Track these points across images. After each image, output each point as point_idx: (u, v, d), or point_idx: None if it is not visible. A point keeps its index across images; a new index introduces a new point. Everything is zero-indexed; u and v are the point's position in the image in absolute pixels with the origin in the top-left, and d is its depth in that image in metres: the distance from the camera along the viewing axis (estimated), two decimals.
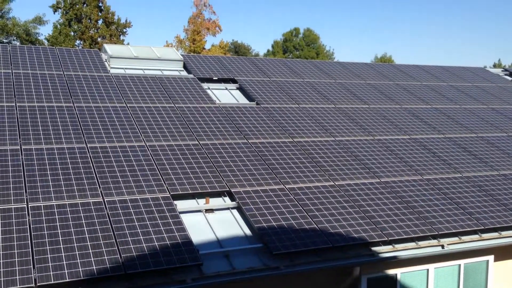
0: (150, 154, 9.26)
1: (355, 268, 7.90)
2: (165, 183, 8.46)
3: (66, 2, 34.22)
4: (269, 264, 7.32)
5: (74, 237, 6.86)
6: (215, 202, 8.58)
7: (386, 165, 10.42)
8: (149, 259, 6.71)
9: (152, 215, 7.62)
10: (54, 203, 7.47)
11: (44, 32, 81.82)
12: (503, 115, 14.41)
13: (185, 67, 13.88)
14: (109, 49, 13.54)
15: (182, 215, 7.95)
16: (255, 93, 12.80)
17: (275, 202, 8.53)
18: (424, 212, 8.93)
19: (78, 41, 34.75)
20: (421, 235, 8.33)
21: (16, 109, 9.86)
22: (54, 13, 35.41)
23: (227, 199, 8.70)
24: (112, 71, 12.70)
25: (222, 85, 13.30)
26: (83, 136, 9.39)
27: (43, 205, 7.38)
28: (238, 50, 49.36)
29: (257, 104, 12.28)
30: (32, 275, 6.10)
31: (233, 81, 13.56)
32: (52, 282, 6.09)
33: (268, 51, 49.91)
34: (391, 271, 8.33)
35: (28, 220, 7.03)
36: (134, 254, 6.76)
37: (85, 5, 34.35)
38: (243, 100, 12.68)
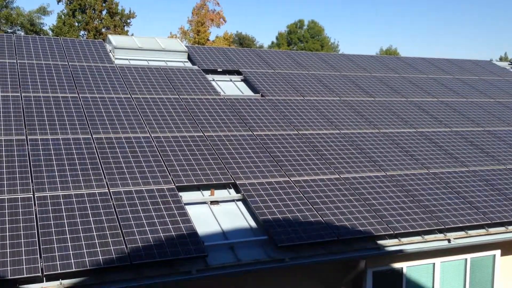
0: (155, 145, 9.23)
1: (360, 261, 7.88)
2: (170, 175, 8.45)
3: None
4: (274, 256, 7.31)
5: (80, 227, 6.86)
6: (220, 194, 8.56)
7: (392, 158, 10.37)
8: (154, 250, 6.71)
9: (157, 206, 7.61)
10: (60, 194, 7.46)
11: (48, 22, 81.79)
12: (510, 108, 14.32)
13: (189, 58, 13.82)
14: (114, 40, 13.49)
15: (187, 207, 7.94)
16: (260, 85, 12.74)
17: (280, 194, 8.51)
18: (431, 206, 8.89)
19: (82, 32, 34.72)
20: (428, 229, 8.30)
21: (22, 99, 9.84)
22: (58, 3, 35.40)
23: (232, 191, 8.68)
24: (117, 62, 12.66)
25: (227, 77, 13.24)
26: (88, 127, 9.37)
27: (49, 195, 7.37)
28: (243, 41, 49.18)
29: (262, 96, 12.23)
30: (39, 265, 6.11)
31: (238, 72, 13.51)
32: (59, 271, 6.09)
33: (272, 43, 49.76)
34: (397, 265, 8.32)
35: (35, 210, 7.03)
36: (140, 245, 6.76)
37: None
38: (248, 92, 12.63)
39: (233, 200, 8.50)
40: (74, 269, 6.15)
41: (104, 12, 34.89)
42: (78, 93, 10.53)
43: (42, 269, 6.07)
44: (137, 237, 6.90)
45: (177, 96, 11.30)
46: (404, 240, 8.10)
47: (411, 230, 8.16)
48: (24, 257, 6.16)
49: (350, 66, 15.39)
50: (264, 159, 9.50)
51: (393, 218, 8.38)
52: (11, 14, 33.88)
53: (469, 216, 8.80)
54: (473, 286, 8.99)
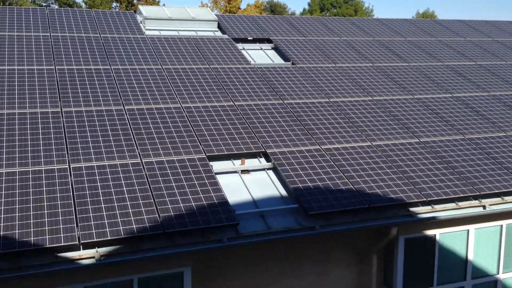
0: (186, 115, 9.31)
1: (392, 229, 7.83)
2: (201, 144, 8.53)
3: None
4: (304, 224, 7.34)
5: (114, 197, 7.05)
6: (250, 163, 8.60)
7: (426, 125, 10.13)
8: (186, 219, 6.85)
9: (188, 176, 7.72)
10: (95, 164, 7.66)
11: None
12: None
13: (219, 27, 13.72)
14: (144, 11, 13.51)
15: (218, 176, 8.03)
16: (290, 53, 12.57)
17: (310, 162, 8.48)
18: (466, 172, 8.69)
19: (114, 4, 34.93)
20: (462, 195, 8.13)
21: (56, 72, 10.04)
22: None
23: (262, 160, 8.71)
24: (147, 32, 12.70)
25: (257, 45, 13.11)
26: (121, 98, 9.51)
27: (84, 166, 7.59)
28: (274, 9, 48.42)
29: (293, 64, 12.07)
30: (76, 233, 6.34)
31: (268, 41, 13.34)
32: (95, 239, 6.31)
33: (304, 9, 48.78)
34: (429, 232, 8.23)
35: (71, 180, 7.25)
36: (172, 214, 6.90)
37: None
38: (278, 60, 12.48)
39: (263, 169, 8.54)
40: (109, 238, 6.36)
41: None
42: (110, 65, 10.66)
43: (78, 237, 6.30)
44: (169, 206, 7.04)
45: (207, 66, 11.29)
46: (437, 207, 7.98)
47: (444, 197, 8.02)
48: (61, 226, 6.39)
49: (384, 31, 14.95)
50: (295, 127, 9.45)
51: (426, 185, 8.24)
52: None
53: (505, 182, 8.55)
54: (508, 252, 8.82)
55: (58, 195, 6.92)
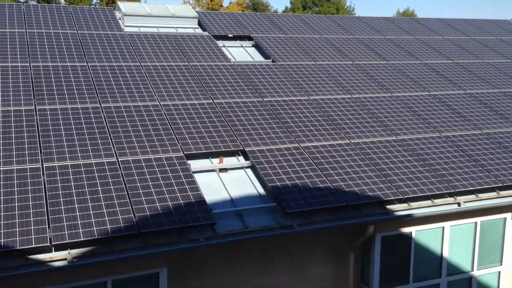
0: (164, 113, 9.22)
1: (369, 226, 7.87)
2: (178, 143, 8.45)
3: None
4: (282, 222, 7.33)
5: (88, 196, 6.95)
6: (229, 161, 8.56)
7: (404, 123, 10.19)
8: (162, 218, 6.78)
9: (165, 175, 7.65)
10: (69, 163, 7.54)
11: None
12: None
13: (200, 24, 13.62)
14: (123, 7, 13.34)
15: (195, 175, 7.97)
16: (271, 50, 12.54)
17: (289, 161, 8.47)
18: (441, 170, 8.76)
19: (94, 1, 34.45)
20: (437, 193, 8.20)
21: (31, 69, 9.86)
22: None
23: (241, 158, 8.67)
24: (126, 29, 12.55)
25: (238, 43, 13.05)
26: (97, 96, 9.38)
27: (57, 165, 7.46)
28: (257, 7, 48.28)
29: (273, 61, 12.04)
30: (47, 234, 6.22)
31: (249, 38, 13.29)
32: (67, 241, 6.20)
33: (286, 7, 48.74)
34: (406, 229, 8.29)
35: (43, 180, 7.12)
36: (148, 213, 6.83)
37: None
38: (258, 57, 12.44)
39: (242, 167, 8.50)
40: (82, 239, 6.25)
41: None
42: (87, 62, 10.51)
43: (50, 239, 6.18)
44: (145, 205, 6.97)
45: (187, 63, 11.20)
46: (414, 204, 8.04)
47: (420, 194, 8.08)
48: (32, 227, 6.27)
49: (364, 29, 15.01)
50: (274, 125, 9.43)
51: (403, 182, 8.29)
52: None
53: (480, 179, 8.65)
54: (482, 249, 8.94)
55: (30, 195, 6.79)
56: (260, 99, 10.29)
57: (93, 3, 34.19)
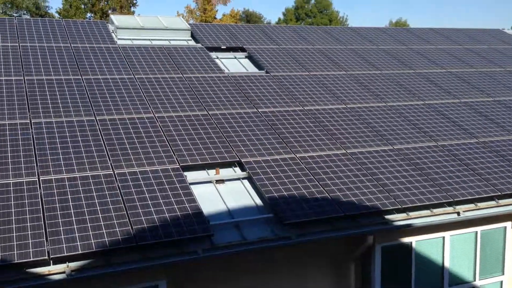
0: (159, 125, 9.17)
1: (368, 237, 7.83)
2: (174, 155, 8.40)
3: None
4: (280, 234, 7.27)
5: (85, 209, 6.87)
6: (225, 172, 8.51)
7: (400, 132, 10.22)
8: (160, 231, 6.71)
9: (162, 187, 7.58)
10: (65, 176, 7.46)
11: (54, 5, 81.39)
12: None
13: (193, 36, 13.65)
14: (116, 20, 13.34)
15: (192, 186, 7.91)
16: (264, 61, 12.57)
17: (286, 171, 8.44)
18: (439, 179, 8.77)
19: (89, 14, 34.53)
20: (436, 202, 8.19)
21: (25, 83, 9.80)
22: None
23: (237, 169, 8.63)
24: (119, 42, 12.54)
25: (231, 54, 13.07)
26: (92, 109, 9.33)
27: (54, 178, 7.38)
28: (250, 19, 48.62)
29: (267, 72, 12.07)
30: (45, 248, 6.13)
31: (242, 49, 13.32)
32: (65, 254, 6.12)
33: (279, 19, 49.11)
34: (405, 239, 8.26)
35: (40, 193, 7.04)
36: (145, 225, 6.75)
37: None
38: (252, 68, 12.47)
39: (238, 179, 8.46)
40: (80, 252, 6.17)
41: None
42: (81, 75, 10.46)
43: (48, 252, 6.09)
44: (143, 218, 6.90)
45: (181, 75, 11.18)
46: (412, 214, 8.02)
47: (419, 204, 8.07)
48: (30, 241, 6.18)
49: (357, 40, 15.11)
50: (269, 136, 9.41)
51: (401, 192, 8.28)
52: None
53: (478, 188, 8.66)
54: (484, 258, 8.91)
55: (27, 208, 6.70)
56: (255, 110, 10.28)
57: (87, 16, 34.25)
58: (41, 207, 6.79)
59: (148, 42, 12.90)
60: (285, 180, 8.21)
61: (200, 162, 8.38)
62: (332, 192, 8.07)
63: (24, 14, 34.85)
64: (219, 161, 8.51)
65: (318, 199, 7.87)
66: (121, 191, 7.36)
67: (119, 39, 12.74)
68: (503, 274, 9.13)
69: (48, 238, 6.28)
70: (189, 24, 14.27)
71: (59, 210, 6.77)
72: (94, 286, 6.40)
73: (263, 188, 7.96)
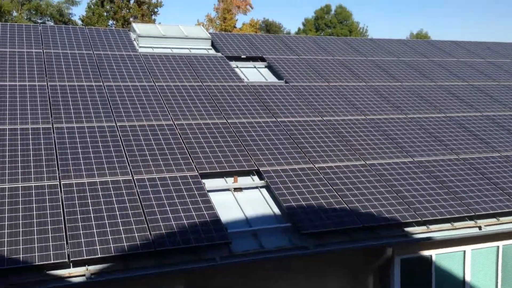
0: (179, 132, 9.23)
1: (387, 249, 7.74)
2: (193, 162, 8.44)
3: None
4: (298, 243, 7.23)
5: (105, 214, 6.92)
6: (243, 181, 8.51)
7: (420, 144, 10.12)
8: (178, 237, 6.72)
9: (180, 194, 7.61)
10: (86, 181, 7.54)
11: (78, 12, 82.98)
12: None
13: (213, 45, 13.75)
14: (138, 28, 13.52)
15: (210, 194, 7.92)
16: (283, 71, 12.60)
17: (304, 181, 8.41)
18: (460, 192, 8.64)
19: (110, 21, 35.05)
20: (457, 215, 8.07)
21: (48, 88, 9.96)
22: None
23: (255, 178, 8.62)
24: (141, 50, 12.69)
25: (251, 64, 13.13)
26: (113, 115, 9.43)
27: (75, 183, 7.46)
28: (269, 28, 48.84)
29: (286, 82, 12.08)
30: (65, 251, 6.19)
31: (262, 59, 13.38)
32: (85, 257, 6.17)
33: (299, 29, 49.24)
34: (425, 252, 8.14)
35: (61, 197, 7.12)
36: (164, 231, 6.78)
37: None
38: (271, 78, 12.50)
39: (256, 187, 8.45)
40: (99, 255, 6.22)
41: (132, 1, 35.13)
42: (102, 82, 10.61)
43: (68, 255, 6.15)
44: (161, 224, 6.92)
45: (201, 84, 11.26)
46: (433, 227, 7.91)
47: (440, 217, 7.96)
48: (51, 243, 6.25)
49: (377, 51, 15.07)
50: (288, 145, 9.40)
51: (421, 204, 8.18)
52: (40, 5, 34.45)
53: (500, 202, 8.52)
54: (505, 273, 8.73)
55: (48, 211, 6.78)
56: (274, 119, 10.29)
57: (109, 24, 34.78)
58: (61, 210, 6.86)
59: (169, 51, 13.03)
60: (303, 190, 8.18)
61: (218, 170, 8.40)
62: (350, 203, 8.01)
63: (48, 20, 35.53)
64: (238, 169, 8.52)
65: (336, 209, 7.82)
66: (140, 196, 7.40)
67: (140, 47, 12.89)
68: None
69: (69, 241, 6.34)
70: (210, 33, 14.39)
71: (79, 214, 6.84)
72: None
73: (281, 197, 7.94)
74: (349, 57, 14.26)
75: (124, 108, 9.76)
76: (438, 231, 7.87)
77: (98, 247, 6.31)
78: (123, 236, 6.56)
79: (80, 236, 6.45)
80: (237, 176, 8.49)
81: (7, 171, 7.45)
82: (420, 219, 7.85)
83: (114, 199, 7.24)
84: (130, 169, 7.98)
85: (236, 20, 39.37)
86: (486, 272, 8.64)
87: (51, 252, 6.11)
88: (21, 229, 6.40)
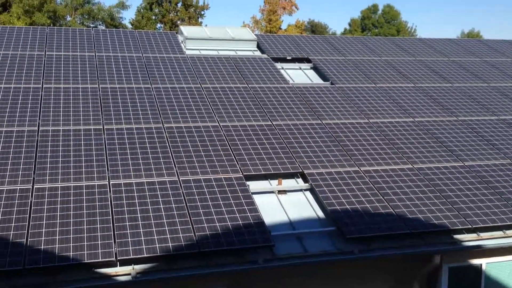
0: (224, 134, 9.32)
1: (435, 256, 7.52)
2: (238, 164, 8.49)
3: None
4: (342, 248, 7.14)
5: (151, 214, 7.08)
6: (287, 183, 8.49)
7: (471, 148, 9.77)
8: (222, 239, 6.78)
9: (225, 195, 7.68)
10: (134, 181, 7.74)
11: (127, 16, 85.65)
12: None
13: (259, 47, 13.80)
14: (185, 31, 13.75)
15: (254, 196, 7.95)
16: (329, 72, 12.47)
17: (349, 184, 8.30)
18: None
19: (159, 25, 35.87)
20: (510, 223, 7.74)
21: (99, 91, 10.29)
22: None
23: (300, 180, 8.58)
24: (188, 52, 12.89)
25: (296, 65, 13.09)
26: (160, 116, 9.64)
27: (123, 183, 7.67)
28: (315, 29, 48.53)
29: (332, 84, 11.96)
30: (113, 249, 6.37)
31: (307, 60, 13.30)
32: (132, 256, 6.33)
33: (345, 29, 48.65)
34: (475, 261, 7.85)
35: (110, 196, 7.34)
36: (208, 233, 6.86)
37: None
38: (317, 80, 12.40)
39: (301, 190, 8.41)
40: (145, 255, 6.36)
41: (179, 5, 35.81)
42: (151, 84, 10.86)
43: (116, 254, 6.33)
44: (205, 225, 7.01)
45: (246, 85, 11.32)
46: (484, 235, 7.62)
47: (491, 224, 7.66)
48: (99, 242, 6.45)
49: (426, 51, 14.67)
50: (333, 148, 9.30)
51: (472, 211, 7.89)
52: (92, 9, 35.69)
53: None
54: None
55: (98, 210, 7.01)
56: (319, 121, 10.21)
57: (157, 27, 35.57)
58: (110, 209, 7.07)
59: (215, 53, 13.18)
60: (348, 194, 8.07)
61: (263, 172, 8.42)
62: (397, 207, 7.83)
63: (99, 24, 36.74)
64: (282, 171, 8.51)
65: (382, 214, 7.66)
66: (186, 197, 7.52)
67: (187, 49, 13.10)
68: None
69: (116, 240, 6.52)
70: (255, 34, 14.45)
71: (127, 214, 7.03)
72: None
73: (325, 201, 7.87)
74: (397, 57, 13.95)
75: (171, 109, 9.94)
76: (489, 239, 7.57)
77: (144, 247, 6.46)
78: (168, 236, 6.69)
79: (128, 235, 6.63)
80: (282, 179, 8.48)
81: (60, 171, 7.75)
82: (470, 226, 7.58)
83: (160, 199, 7.40)
84: (176, 170, 8.12)
85: (282, 21, 39.32)
86: None
87: (99, 251, 6.31)
88: (71, 227, 6.64)
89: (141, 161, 8.22)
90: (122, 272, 6.21)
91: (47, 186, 7.40)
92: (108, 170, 7.92)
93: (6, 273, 5.97)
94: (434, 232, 7.50)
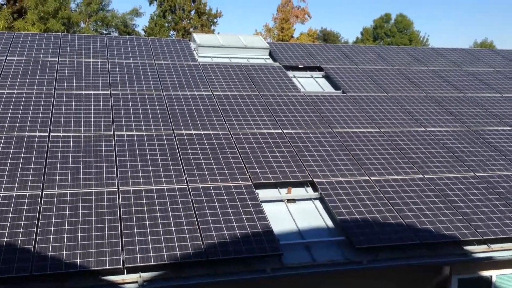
0: (234, 142, 9.33)
1: (444, 268, 7.43)
2: (247, 172, 8.49)
3: None
4: (351, 258, 7.09)
5: (159, 221, 7.09)
6: (297, 192, 8.46)
7: (483, 158, 9.67)
8: (230, 247, 6.77)
9: (234, 203, 7.67)
10: (143, 188, 7.77)
11: (141, 23, 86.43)
12: None
13: (271, 55, 13.82)
14: (198, 38, 13.83)
15: (263, 204, 7.93)
16: (341, 81, 12.45)
17: (359, 194, 8.24)
18: None
19: (172, 32, 36.13)
20: None
21: (111, 97, 10.38)
22: (150, 5, 37.08)
23: (309, 189, 8.55)
24: (200, 59, 12.96)
25: (308, 73, 13.08)
26: (171, 124, 9.68)
27: (132, 190, 7.70)
28: (327, 37, 48.54)
29: (343, 92, 11.93)
30: (121, 257, 6.39)
31: (319, 69, 13.29)
32: (139, 264, 6.33)
33: (357, 38, 48.57)
34: (485, 273, 7.74)
35: (119, 203, 7.37)
36: (216, 241, 6.84)
37: None
38: (328, 88, 12.38)
39: (310, 199, 8.37)
40: (153, 263, 6.36)
41: (192, 12, 36.07)
42: (162, 91, 10.92)
43: (123, 261, 6.34)
44: (214, 233, 7.00)
45: (257, 93, 11.34)
46: (494, 246, 7.51)
47: (502, 236, 7.55)
48: (107, 249, 6.47)
49: (439, 60, 14.58)
50: (344, 157, 9.26)
51: (482, 222, 7.79)
52: (106, 16, 36.07)
53: None
54: None
55: (106, 217, 7.04)
56: (330, 130, 10.18)
57: (170, 34, 35.84)
58: (119, 216, 7.10)
59: (227, 60, 13.22)
60: (358, 203, 8.01)
61: (272, 181, 8.40)
62: (407, 218, 7.76)
63: (113, 31, 37.11)
64: (292, 180, 8.49)
65: (392, 224, 7.60)
66: (194, 205, 7.53)
67: (200, 56, 13.17)
68: None
69: (124, 248, 6.54)
70: (268, 42, 14.49)
71: (135, 221, 7.05)
72: None
73: (334, 210, 7.82)
74: (409, 66, 13.89)
75: (182, 116, 9.98)
76: (500, 251, 7.47)
77: (151, 255, 6.46)
78: (176, 244, 6.69)
79: (135, 242, 6.64)
80: (291, 187, 8.46)
81: (69, 177, 7.81)
82: (481, 238, 7.48)
83: (169, 207, 7.41)
84: (186, 178, 8.14)
85: (294, 30, 39.38)
86: None
87: (107, 258, 6.32)
88: (79, 234, 6.67)
89: (150, 168, 8.26)
90: (129, 279, 6.22)
91: (56, 192, 7.46)
92: (117, 176, 7.96)
93: (14, 279, 6.01)
94: (444, 243, 7.41)
